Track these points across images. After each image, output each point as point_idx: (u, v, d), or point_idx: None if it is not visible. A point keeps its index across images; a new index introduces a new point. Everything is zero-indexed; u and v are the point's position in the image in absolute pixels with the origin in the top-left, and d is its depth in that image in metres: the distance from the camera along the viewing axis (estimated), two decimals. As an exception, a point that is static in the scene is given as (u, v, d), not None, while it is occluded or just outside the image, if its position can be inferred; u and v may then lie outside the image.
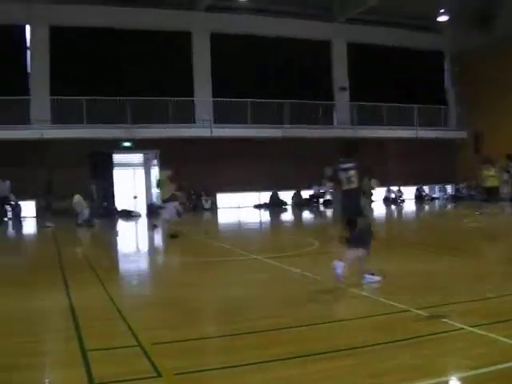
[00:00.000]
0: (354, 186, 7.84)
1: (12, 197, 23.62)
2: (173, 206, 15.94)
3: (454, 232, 15.94)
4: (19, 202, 24.97)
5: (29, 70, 27.86)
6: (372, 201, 8.30)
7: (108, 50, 28.19)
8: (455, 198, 33.14)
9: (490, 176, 18.62)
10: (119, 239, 18.25)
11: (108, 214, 25.63)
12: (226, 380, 4.48)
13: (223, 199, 30.24)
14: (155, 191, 16.38)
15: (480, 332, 5.31)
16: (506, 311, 6.11)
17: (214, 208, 29.76)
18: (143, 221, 24.82)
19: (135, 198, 29.43)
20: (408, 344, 5.07)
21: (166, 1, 29.28)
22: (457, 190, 34.44)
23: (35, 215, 25.98)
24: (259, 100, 29.67)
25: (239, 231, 20.70)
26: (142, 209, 28.67)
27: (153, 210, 27.62)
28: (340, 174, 7.96)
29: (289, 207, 30.42)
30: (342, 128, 31.78)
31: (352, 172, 7.85)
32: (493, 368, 4.37)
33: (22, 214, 25.33)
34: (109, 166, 28.23)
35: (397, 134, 32.24)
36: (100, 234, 19.79)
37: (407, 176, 31.64)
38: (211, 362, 5.02)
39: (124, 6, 28.17)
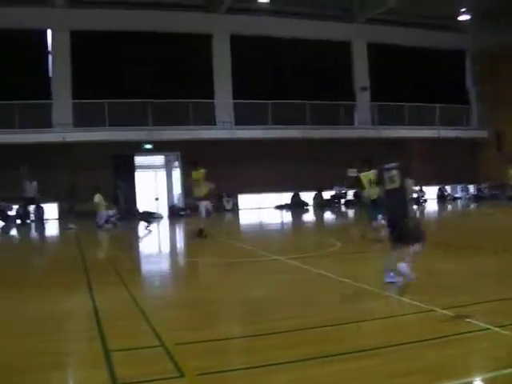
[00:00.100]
0: (396, 185, 7.86)
1: (39, 198, 23.75)
2: (204, 205, 15.98)
3: (477, 231, 15.76)
4: (42, 204, 25.16)
5: (50, 74, 28.13)
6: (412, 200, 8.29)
7: (128, 53, 28.31)
8: (477, 198, 32.84)
9: None
10: (141, 241, 18.31)
11: (131, 215, 25.72)
12: (248, 380, 4.48)
13: (244, 200, 30.25)
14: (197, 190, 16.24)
15: (505, 332, 5.24)
16: (531, 311, 6.02)
17: (235, 209, 29.78)
18: (165, 222, 24.91)
19: (157, 199, 29.55)
20: (433, 344, 5.02)
21: (186, 4, 29.39)
22: (479, 190, 34.10)
23: (57, 217, 26.23)
24: (279, 101, 29.66)
25: (261, 232, 20.67)
26: (163, 210, 28.78)
27: (174, 212, 27.75)
28: (384, 173, 8.01)
29: (310, 208, 30.35)
30: (363, 128, 31.68)
31: (394, 172, 7.89)
32: (518, 369, 4.31)
33: (45, 216, 25.52)
34: (131, 168, 28.40)
35: (418, 134, 31.99)
36: (122, 236, 19.86)
37: (429, 176, 31.37)
38: (233, 363, 5.02)
39: (144, 10, 28.32)
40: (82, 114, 26.72)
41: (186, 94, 28.06)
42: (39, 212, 24.71)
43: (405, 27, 32.31)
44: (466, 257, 8.01)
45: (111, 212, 21.57)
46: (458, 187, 34.84)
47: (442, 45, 33.45)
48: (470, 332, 5.34)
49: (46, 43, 28.16)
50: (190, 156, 26.67)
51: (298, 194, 30.59)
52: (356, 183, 16.30)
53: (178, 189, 30.06)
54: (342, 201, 31.09)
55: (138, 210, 27.21)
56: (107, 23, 27.64)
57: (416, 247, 7.75)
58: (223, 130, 29.11)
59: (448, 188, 34.28)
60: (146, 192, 28.74)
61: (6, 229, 23.35)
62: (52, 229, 23.42)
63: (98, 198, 20.79)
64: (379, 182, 8.26)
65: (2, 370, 4.76)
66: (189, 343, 5.43)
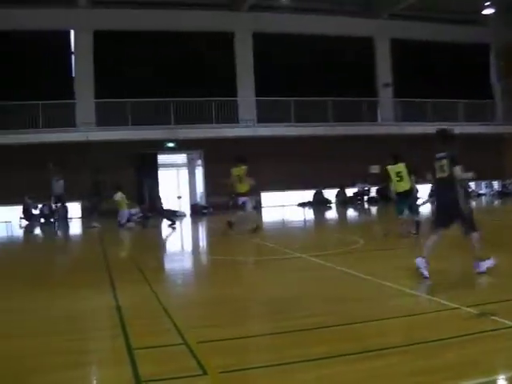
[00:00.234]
0: (445, 174, 7.87)
1: (65, 196, 23.88)
2: (249, 201, 16.21)
3: (502, 228, 15.60)
4: (66, 203, 25.32)
5: (73, 74, 28.39)
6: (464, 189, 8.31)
7: (151, 53, 28.45)
8: (502, 194, 32.46)
9: None
10: (165, 239, 18.38)
11: (158, 213, 25.81)
12: (270, 378, 4.46)
13: (267, 198, 30.22)
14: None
15: (530, 330, 5.17)
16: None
17: (257, 207, 29.75)
18: (187, 220, 25.00)
19: (179, 198, 29.66)
20: (457, 342, 4.96)
21: (209, 3, 29.47)
22: (503, 186, 33.69)
23: (80, 216, 26.44)
24: (302, 98, 29.58)
25: (283, 230, 20.65)
26: (186, 209, 28.89)
27: (197, 210, 27.81)
28: (435, 163, 8.05)
29: (333, 205, 30.25)
30: (386, 125, 31.49)
31: (444, 161, 7.92)
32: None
33: (69, 215, 25.73)
34: (154, 166, 28.54)
35: (442, 130, 31.64)
36: (145, 234, 19.96)
37: (454, 172, 31.04)
38: (256, 361, 5.01)
39: (166, 9, 28.42)
40: (105, 114, 26.92)
41: (209, 92, 28.09)
42: (63, 211, 24.91)
43: (427, 22, 31.98)
44: (489, 254, 7.93)
45: (133, 210, 21.66)
46: (483, 183, 34.45)
47: (466, 39, 33.10)
48: (494, 330, 5.27)
49: (69, 44, 28.44)
50: (212, 154, 26.90)
51: (321, 192, 30.49)
52: (383, 175, 16.31)
53: (200, 187, 30.17)
54: (365, 198, 30.95)
55: (162, 208, 27.35)
56: (129, 23, 27.84)
57: (474, 237, 7.80)
58: (246, 128, 29.12)
59: (472, 184, 33.91)
60: (168, 190, 28.85)
61: (31, 228, 23.60)
62: (76, 227, 23.62)
63: (119, 196, 20.85)
64: (430, 171, 8.22)
65: (30, 370, 4.79)
66: (211, 341, 5.42)
